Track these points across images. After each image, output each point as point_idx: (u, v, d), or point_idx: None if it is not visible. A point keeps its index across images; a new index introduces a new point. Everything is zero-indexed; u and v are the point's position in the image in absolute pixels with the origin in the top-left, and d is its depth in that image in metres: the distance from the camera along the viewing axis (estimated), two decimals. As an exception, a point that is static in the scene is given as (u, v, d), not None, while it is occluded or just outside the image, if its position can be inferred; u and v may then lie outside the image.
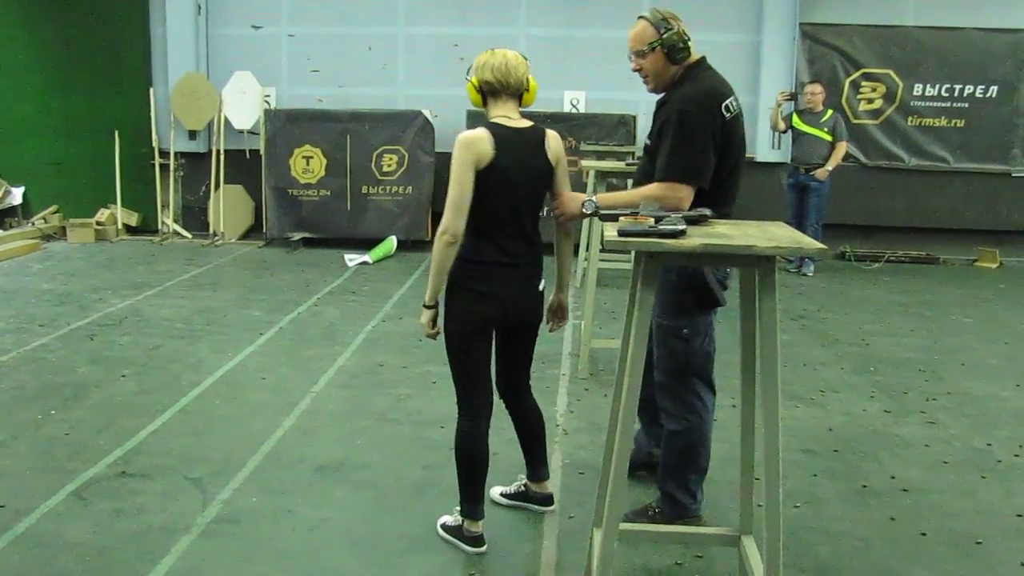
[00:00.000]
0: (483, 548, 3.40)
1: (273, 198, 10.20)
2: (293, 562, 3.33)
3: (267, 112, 10.23)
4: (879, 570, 3.36)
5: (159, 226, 10.78)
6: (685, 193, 3.20)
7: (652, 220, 2.53)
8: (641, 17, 3.40)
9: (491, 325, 3.34)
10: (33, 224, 10.60)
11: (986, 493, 4.06)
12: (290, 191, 10.17)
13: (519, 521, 3.67)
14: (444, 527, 3.52)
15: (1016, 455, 4.51)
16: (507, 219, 3.25)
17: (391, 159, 10.10)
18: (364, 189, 10.14)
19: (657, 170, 3.29)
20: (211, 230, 10.58)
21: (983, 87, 10.20)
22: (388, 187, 10.14)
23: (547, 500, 3.74)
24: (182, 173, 10.90)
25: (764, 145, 10.22)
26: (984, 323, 7.38)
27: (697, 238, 2.48)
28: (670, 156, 3.25)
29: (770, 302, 2.51)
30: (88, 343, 6.10)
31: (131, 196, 10.80)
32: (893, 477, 4.20)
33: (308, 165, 10.16)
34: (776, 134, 9.80)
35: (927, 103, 10.29)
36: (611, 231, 2.53)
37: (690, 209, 3.03)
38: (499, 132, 3.19)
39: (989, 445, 4.64)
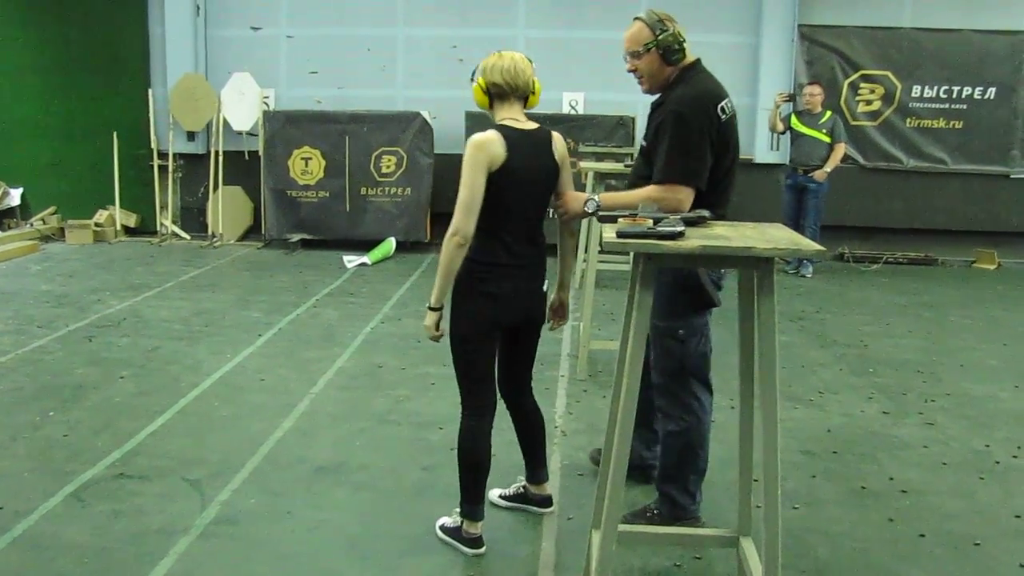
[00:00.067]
0: (482, 550, 3.40)
1: (272, 199, 10.20)
2: (292, 563, 3.33)
3: (266, 113, 10.23)
4: (878, 571, 3.36)
5: (158, 227, 10.77)
6: (684, 195, 3.22)
7: (651, 222, 2.54)
8: (637, 18, 3.41)
9: (498, 326, 3.34)
10: (31, 225, 10.60)
11: (985, 494, 4.06)
12: (289, 192, 10.17)
13: (518, 523, 3.67)
14: (443, 529, 3.51)
15: (1015, 456, 4.52)
16: (516, 220, 3.27)
17: (390, 160, 10.10)
18: (363, 190, 10.15)
19: (656, 172, 3.30)
20: (210, 231, 10.58)
21: (981, 89, 10.22)
22: (387, 188, 10.14)
23: (546, 502, 3.74)
24: (181, 174, 10.90)
25: (763, 146, 10.23)
26: (983, 324, 7.38)
27: (696, 240, 2.48)
28: (668, 158, 3.25)
29: (768, 304, 2.51)
30: (86, 344, 6.10)
31: (130, 197, 10.80)
32: (892, 478, 4.20)
33: (307, 166, 10.16)
34: (775, 135, 9.81)
35: (925, 104, 10.31)
36: (610, 233, 2.53)
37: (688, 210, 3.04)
38: (510, 134, 3.20)
39: (988, 446, 4.64)
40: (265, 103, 10.45)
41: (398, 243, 9.91)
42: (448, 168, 10.02)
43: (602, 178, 6.46)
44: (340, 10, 10.56)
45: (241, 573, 3.25)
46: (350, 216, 10.17)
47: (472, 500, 3.41)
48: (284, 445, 4.42)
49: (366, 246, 9.76)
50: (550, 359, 5.83)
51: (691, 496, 3.55)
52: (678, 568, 3.35)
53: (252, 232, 10.73)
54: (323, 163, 10.14)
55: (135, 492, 3.86)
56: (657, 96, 3.47)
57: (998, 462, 4.44)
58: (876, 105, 10.36)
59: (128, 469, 4.09)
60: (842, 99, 10.30)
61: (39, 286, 7.94)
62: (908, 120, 10.34)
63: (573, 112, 10.22)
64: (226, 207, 10.53)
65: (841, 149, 9.18)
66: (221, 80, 10.44)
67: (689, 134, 3.24)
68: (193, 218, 10.96)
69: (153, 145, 10.63)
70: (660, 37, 3.32)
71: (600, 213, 2.91)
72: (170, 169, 10.73)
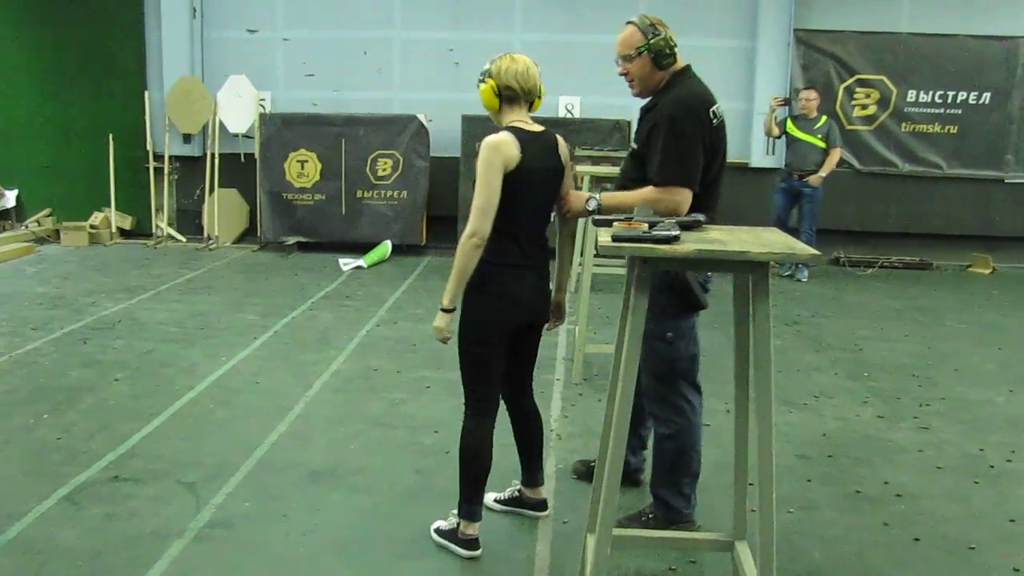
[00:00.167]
0: (477, 552, 3.40)
1: (268, 202, 10.19)
2: (286, 567, 3.32)
3: (262, 116, 10.23)
4: (873, 575, 3.36)
5: (153, 230, 10.77)
6: (683, 196, 3.25)
7: (646, 226, 2.54)
8: (629, 22, 3.45)
9: (509, 326, 3.36)
10: (27, 227, 10.59)
11: (979, 498, 4.07)
12: (285, 195, 10.17)
13: (513, 527, 3.67)
14: (438, 531, 3.51)
15: (1009, 460, 4.52)
16: (527, 221, 3.31)
17: (386, 163, 10.10)
18: (359, 193, 10.14)
19: (653, 174, 3.31)
20: (205, 234, 10.57)
21: (976, 94, 10.25)
22: (383, 191, 10.14)
23: (541, 505, 3.74)
24: (176, 177, 10.88)
25: (759, 151, 10.24)
26: (977, 329, 7.40)
27: (691, 244, 2.48)
28: (665, 160, 3.27)
29: (764, 308, 2.51)
30: (81, 347, 6.09)
31: (125, 199, 10.79)
32: (887, 482, 4.21)
33: (303, 169, 10.16)
34: (770, 140, 9.83)
35: (921, 109, 10.34)
36: (605, 237, 2.53)
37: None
38: (522, 136, 3.24)
39: (982, 450, 4.65)
40: (261, 105, 10.44)
41: (394, 246, 9.91)
42: (444, 171, 10.09)
43: (599, 182, 6.47)
44: (337, 13, 10.56)
45: (235, 576, 3.25)
46: (346, 219, 10.17)
47: (471, 500, 3.41)
48: (279, 448, 4.42)
49: (362, 249, 9.75)
50: (545, 362, 5.83)
51: (685, 499, 3.55)
52: (673, 572, 3.35)
53: (248, 235, 10.73)
54: (319, 166, 10.14)
55: (129, 495, 3.85)
56: (647, 100, 3.50)
57: (992, 466, 4.45)
58: (872, 110, 10.38)
59: (122, 472, 4.08)
60: (838, 103, 10.32)
61: (34, 288, 7.92)
62: (903, 125, 10.37)
63: (569, 116, 10.23)
64: (222, 209, 10.52)
65: (837, 154, 9.20)
66: (217, 82, 10.43)
67: (684, 137, 3.27)
68: (189, 220, 10.94)
69: (149, 147, 10.62)
70: (652, 41, 3.35)
71: (596, 217, 2.92)
72: (166, 171, 10.72)
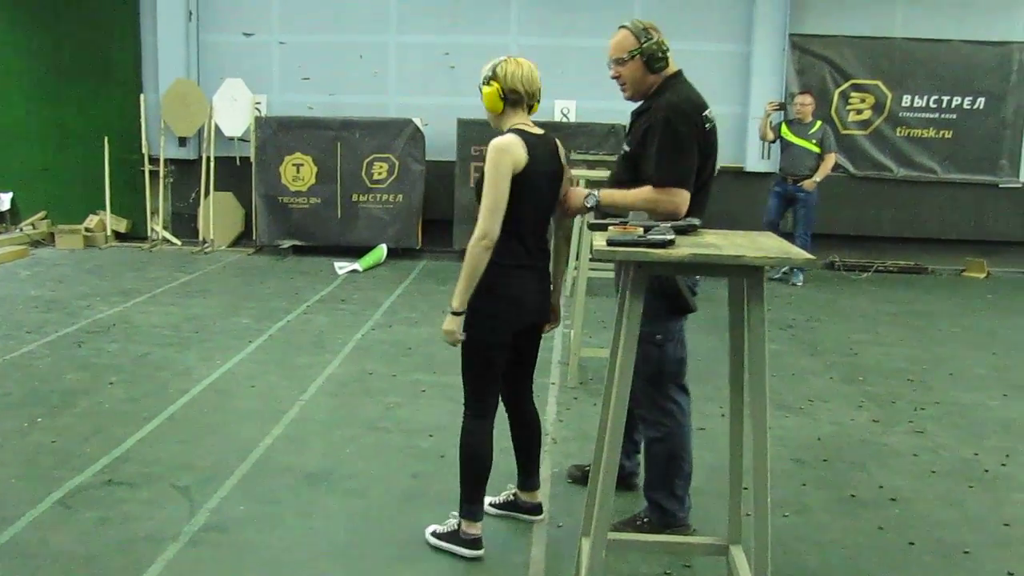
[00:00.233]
0: (481, 552, 3.40)
1: (263, 205, 10.19)
2: (281, 571, 3.31)
3: (258, 119, 10.23)
4: (867, 580, 3.37)
5: (148, 233, 10.75)
6: (681, 198, 3.30)
7: (641, 230, 2.54)
8: (622, 26, 3.49)
9: (515, 328, 3.38)
10: (21, 230, 10.56)
11: (974, 503, 4.07)
12: (280, 198, 10.16)
13: (508, 530, 3.66)
14: (436, 535, 3.50)
15: (1003, 464, 4.53)
16: (532, 222, 3.34)
17: (381, 167, 10.10)
18: (354, 197, 10.14)
19: (651, 176, 3.34)
20: (201, 237, 10.55)
21: (971, 98, 10.28)
22: (378, 195, 10.13)
23: (536, 509, 3.74)
24: (172, 180, 10.86)
25: (754, 155, 10.25)
26: (972, 333, 7.41)
27: (686, 248, 2.48)
28: (664, 161, 3.31)
29: (758, 312, 2.51)
30: (76, 350, 6.08)
31: (120, 202, 10.77)
32: (881, 486, 4.21)
33: (298, 173, 10.15)
34: (765, 144, 9.84)
35: (916, 114, 10.36)
36: (600, 241, 2.53)
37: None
38: (528, 138, 3.27)
39: (977, 455, 4.66)
40: (257, 109, 10.44)
41: (389, 250, 9.91)
42: (440, 175, 10.09)
43: (594, 186, 6.46)
44: (333, 17, 10.55)
45: (229, 581, 3.24)
46: (341, 223, 10.16)
47: (473, 500, 3.43)
48: (274, 452, 4.41)
49: (357, 253, 9.75)
50: (541, 366, 5.75)
51: (679, 501, 3.56)
52: (668, 576, 3.35)
53: (243, 238, 10.71)
54: (315, 169, 10.14)
55: (123, 499, 3.84)
56: (639, 104, 3.54)
57: (987, 470, 4.45)
58: (867, 114, 10.40)
59: (116, 476, 4.07)
60: (833, 108, 10.34)
61: (28, 291, 7.90)
62: (898, 129, 10.39)
63: (565, 120, 10.24)
64: (217, 213, 10.51)
65: (831, 159, 9.22)
66: (213, 86, 10.43)
67: (680, 139, 3.32)
68: (184, 224, 10.92)
69: (144, 150, 10.60)
70: (644, 45, 3.40)
71: (591, 221, 2.93)
72: (161, 175, 10.70)
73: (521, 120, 3.35)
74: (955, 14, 10.15)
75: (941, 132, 10.35)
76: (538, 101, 3.41)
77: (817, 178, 9.12)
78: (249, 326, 6.85)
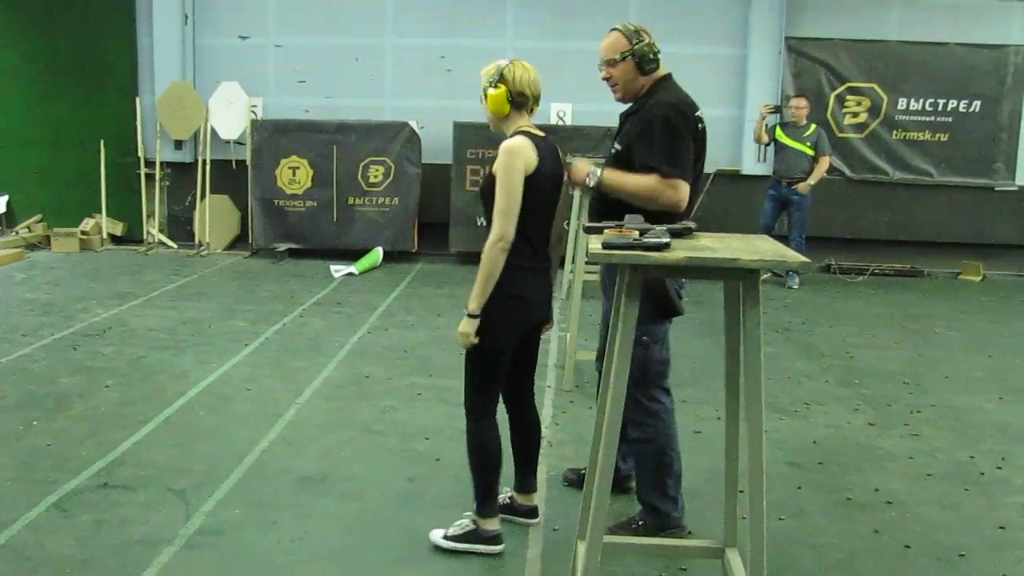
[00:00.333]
0: (503, 547, 3.44)
1: (259, 208, 10.18)
2: (276, 574, 3.31)
3: (253, 122, 10.22)
4: (863, 582, 3.38)
5: (144, 236, 10.73)
6: (684, 192, 3.34)
7: (636, 233, 2.55)
8: (614, 28, 3.54)
9: (525, 329, 3.41)
10: (17, 233, 10.55)
11: (969, 505, 4.08)
12: (276, 202, 10.16)
13: (504, 534, 3.65)
14: (451, 538, 3.49)
15: (999, 467, 4.53)
16: (540, 223, 3.37)
17: (377, 170, 10.10)
18: (350, 200, 10.14)
19: (654, 167, 3.36)
20: (196, 240, 10.54)
21: (966, 102, 10.31)
22: (374, 198, 10.13)
23: (532, 512, 3.74)
24: (168, 183, 10.86)
25: (750, 158, 10.25)
26: (968, 336, 7.42)
27: (681, 251, 2.48)
28: (666, 153, 3.34)
29: (754, 315, 2.52)
30: (71, 353, 6.07)
31: (116, 206, 10.75)
32: (877, 489, 4.21)
33: (294, 176, 10.15)
34: (761, 147, 9.86)
35: (911, 117, 10.39)
36: (596, 243, 2.54)
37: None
38: (536, 141, 3.29)
39: (972, 457, 4.66)
40: (253, 112, 10.44)
41: (385, 253, 9.90)
42: (436, 178, 10.09)
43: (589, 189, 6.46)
44: (328, 20, 10.55)
45: (225, 584, 3.24)
46: (337, 226, 10.16)
47: (488, 496, 3.45)
48: (270, 455, 4.40)
49: (353, 256, 9.74)
50: (537, 369, 5.81)
51: (673, 501, 3.57)
52: (664, 579, 3.35)
53: (239, 241, 10.70)
54: (311, 172, 10.13)
55: (119, 502, 3.83)
56: (629, 105, 3.59)
57: (983, 473, 4.46)
58: (862, 117, 10.42)
59: (112, 479, 4.06)
60: (828, 111, 10.36)
61: (24, 294, 7.89)
62: (894, 132, 10.41)
63: (561, 123, 10.25)
64: (213, 216, 10.50)
65: (825, 162, 9.25)
66: (209, 89, 10.43)
67: (679, 135, 3.37)
68: (180, 227, 10.91)
69: (140, 153, 10.59)
70: (636, 47, 3.45)
71: (587, 224, 2.93)
72: (157, 177, 10.68)
73: (524, 123, 3.37)
74: (951, 17, 10.18)
75: (937, 135, 10.38)
76: (538, 104, 3.44)
77: (811, 181, 9.15)
78: (245, 329, 6.84)
